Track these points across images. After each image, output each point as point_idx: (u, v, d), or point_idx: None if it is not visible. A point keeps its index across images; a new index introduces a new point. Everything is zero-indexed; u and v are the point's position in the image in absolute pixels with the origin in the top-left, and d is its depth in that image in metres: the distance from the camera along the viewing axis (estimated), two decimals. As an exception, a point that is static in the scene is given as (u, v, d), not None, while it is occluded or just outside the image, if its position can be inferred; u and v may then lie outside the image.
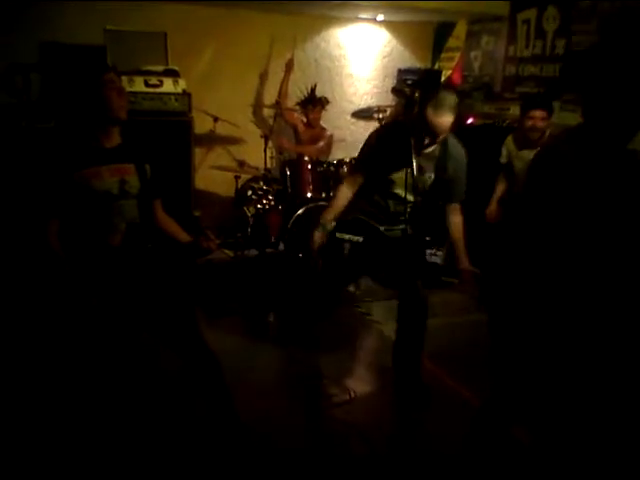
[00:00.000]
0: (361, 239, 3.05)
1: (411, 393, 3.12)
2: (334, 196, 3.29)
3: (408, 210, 3.04)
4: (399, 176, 2.99)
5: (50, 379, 2.70)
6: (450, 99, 2.79)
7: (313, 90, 5.66)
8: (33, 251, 2.79)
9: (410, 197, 3.03)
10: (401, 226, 3.07)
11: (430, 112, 2.78)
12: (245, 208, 5.21)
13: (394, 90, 5.80)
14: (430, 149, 2.99)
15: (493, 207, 4.26)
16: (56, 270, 2.46)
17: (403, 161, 2.89)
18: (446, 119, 2.80)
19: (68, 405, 2.55)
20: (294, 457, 2.66)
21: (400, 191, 3.02)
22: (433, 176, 3.03)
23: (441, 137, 2.90)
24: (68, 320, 2.55)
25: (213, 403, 2.57)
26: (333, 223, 3.13)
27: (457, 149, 3.05)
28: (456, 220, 3.13)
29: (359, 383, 3.42)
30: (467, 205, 3.27)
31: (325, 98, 5.63)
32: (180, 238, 2.67)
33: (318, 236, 3.10)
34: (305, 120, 5.59)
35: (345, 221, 3.15)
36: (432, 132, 2.85)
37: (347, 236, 3.08)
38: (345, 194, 3.15)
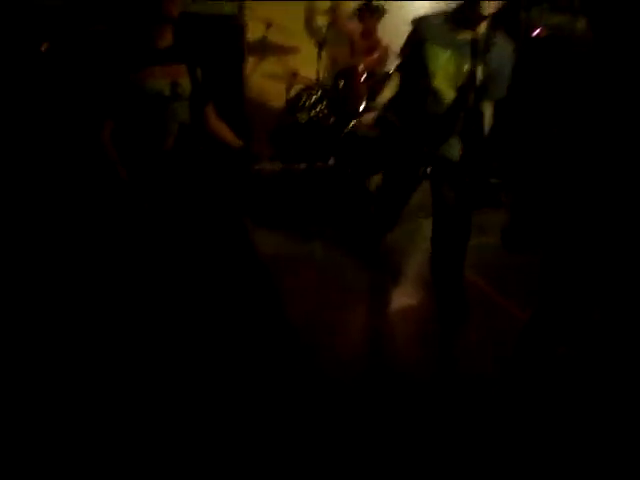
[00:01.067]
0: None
1: (450, 306, 3.11)
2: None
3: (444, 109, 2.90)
4: (438, 66, 2.83)
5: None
6: None
7: (370, 2, 5.36)
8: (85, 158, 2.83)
9: (450, 93, 2.87)
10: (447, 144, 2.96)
11: None
12: (296, 116, 5.11)
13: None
14: (469, 37, 2.78)
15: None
16: (108, 174, 2.50)
17: (439, 51, 2.79)
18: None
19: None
20: (337, 365, 2.68)
21: (440, 84, 2.86)
22: (473, 67, 2.80)
23: (482, 25, 2.73)
24: (119, 226, 2.60)
25: (262, 306, 2.64)
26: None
27: (503, 41, 2.85)
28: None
29: (403, 296, 3.44)
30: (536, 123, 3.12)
31: (382, 7, 5.34)
32: (232, 143, 2.66)
33: (369, 116, 3.04)
34: (361, 30, 5.35)
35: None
36: (472, 17, 2.69)
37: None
38: (393, 88, 3.06)
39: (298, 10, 5.66)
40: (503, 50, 2.82)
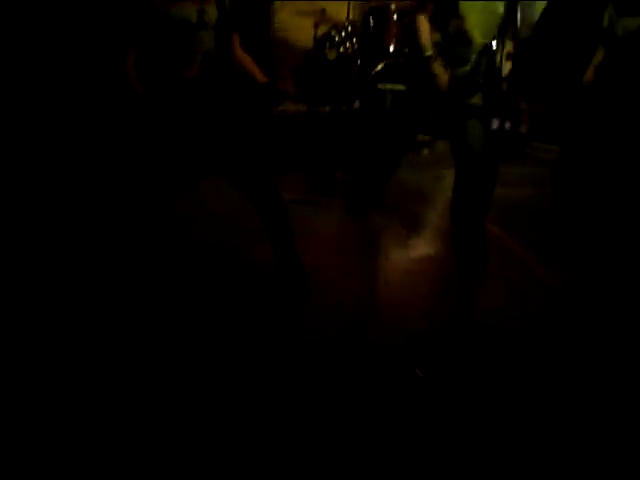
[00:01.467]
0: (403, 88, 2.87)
1: (469, 256, 3.05)
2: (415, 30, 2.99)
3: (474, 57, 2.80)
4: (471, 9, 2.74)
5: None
6: None
7: None
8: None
9: (479, 38, 2.78)
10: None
11: None
12: (325, 54, 4.98)
13: None
14: None
15: (590, 74, 3.91)
16: (131, 103, 2.46)
17: None
18: None
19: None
20: (351, 310, 2.64)
21: (471, 28, 2.77)
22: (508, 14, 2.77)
23: None
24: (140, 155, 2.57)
25: (277, 244, 2.62)
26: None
27: None
28: None
29: (421, 245, 3.41)
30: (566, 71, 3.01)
31: None
32: (256, 76, 2.59)
33: (439, 69, 2.86)
34: None
35: (390, 68, 2.95)
36: None
37: (389, 86, 2.90)
38: (426, 27, 2.90)
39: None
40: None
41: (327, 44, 4.99)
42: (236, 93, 2.59)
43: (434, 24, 2.91)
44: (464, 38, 2.79)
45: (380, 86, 2.92)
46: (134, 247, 2.61)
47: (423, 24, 2.88)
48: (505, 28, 2.84)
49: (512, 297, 2.75)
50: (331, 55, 4.87)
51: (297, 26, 5.36)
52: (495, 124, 3.03)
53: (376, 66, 4.55)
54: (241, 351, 2.21)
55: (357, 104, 4.90)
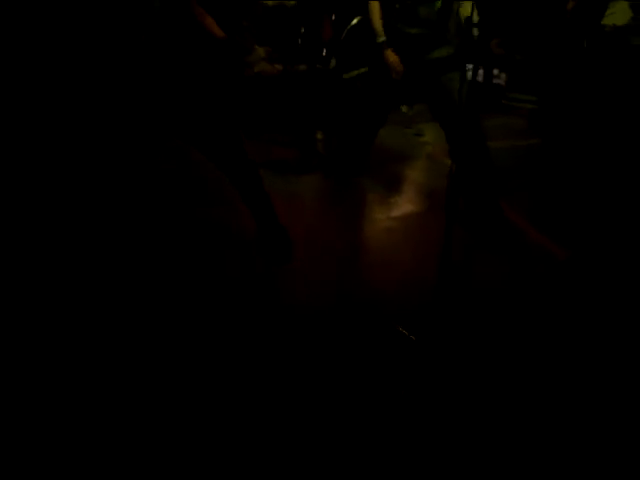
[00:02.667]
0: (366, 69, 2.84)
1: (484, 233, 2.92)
2: (370, 16, 3.00)
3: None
4: None
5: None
6: None
7: None
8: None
9: None
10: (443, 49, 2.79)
11: None
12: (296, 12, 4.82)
13: None
14: None
15: (571, 3, 3.84)
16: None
17: None
18: None
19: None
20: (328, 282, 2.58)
21: None
22: None
23: None
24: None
25: (254, 208, 2.58)
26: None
27: None
28: None
29: (405, 204, 3.39)
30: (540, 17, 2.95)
31: None
32: (215, 33, 2.49)
33: (392, 57, 2.88)
34: None
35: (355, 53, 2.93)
36: None
37: (354, 72, 2.89)
38: (376, 7, 2.93)
39: None
40: None
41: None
42: (195, 53, 2.48)
43: None
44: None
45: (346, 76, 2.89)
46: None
47: (374, 7, 2.89)
48: None
49: (505, 263, 2.71)
50: (290, 2, 4.73)
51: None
52: (479, 75, 2.95)
53: (351, 20, 4.42)
54: (228, 317, 2.19)
55: (333, 63, 4.79)
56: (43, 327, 2.11)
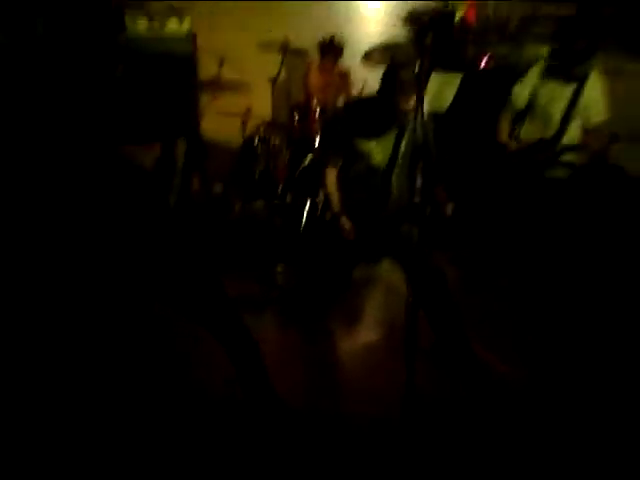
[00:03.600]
0: None
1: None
2: (325, 186, 3.20)
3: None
4: (373, 146, 3.01)
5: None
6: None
7: (332, 39, 5.36)
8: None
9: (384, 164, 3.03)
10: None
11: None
12: (252, 154, 5.11)
13: (408, 20, 5.58)
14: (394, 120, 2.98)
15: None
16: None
17: (376, 130, 2.97)
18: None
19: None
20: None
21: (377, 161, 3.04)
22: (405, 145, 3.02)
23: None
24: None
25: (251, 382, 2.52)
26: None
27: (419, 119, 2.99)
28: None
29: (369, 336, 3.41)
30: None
31: (342, 45, 5.37)
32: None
33: (347, 224, 3.04)
34: (317, 65, 5.38)
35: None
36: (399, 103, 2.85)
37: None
38: (333, 181, 3.14)
39: (250, 43, 5.68)
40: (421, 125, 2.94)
41: (256, 140, 5.13)
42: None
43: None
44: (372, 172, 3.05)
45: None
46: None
47: (330, 177, 3.13)
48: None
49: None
50: (259, 150, 5.01)
51: (225, 125, 5.50)
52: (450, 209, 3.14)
53: (304, 160, 4.70)
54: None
55: (289, 198, 5.00)
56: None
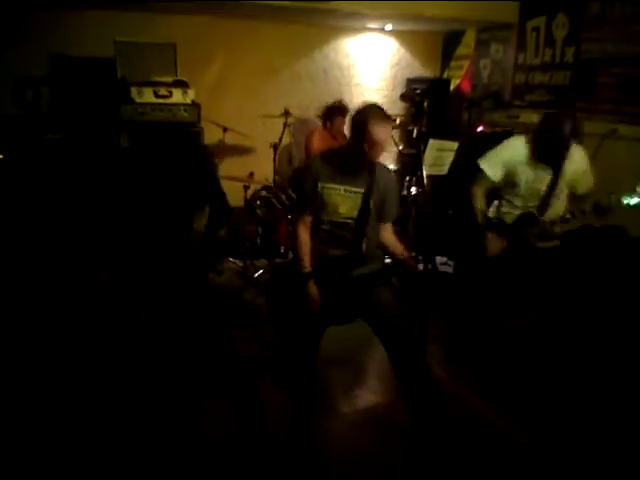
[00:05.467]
0: None
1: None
2: (296, 246, 3.05)
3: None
4: (336, 201, 2.94)
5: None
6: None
7: (340, 102, 5.38)
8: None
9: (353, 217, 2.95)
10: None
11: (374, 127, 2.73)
12: (255, 214, 5.18)
13: (402, 96, 5.77)
14: (362, 172, 2.93)
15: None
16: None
17: (339, 183, 2.91)
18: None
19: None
20: None
21: (341, 214, 2.95)
22: (364, 197, 2.93)
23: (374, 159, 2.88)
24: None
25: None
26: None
27: (386, 171, 3.03)
28: (391, 238, 3.08)
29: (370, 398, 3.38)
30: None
31: (346, 108, 5.52)
32: None
33: (313, 290, 2.92)
34: (323, 131, 5.51)
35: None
36: (368, 153, 2.79)
37: None
38: (305, 239, 3.02)
39: (252, 113, 5.87)
40: (388, 178, 3.00)
41: (257, 202, 5.20)
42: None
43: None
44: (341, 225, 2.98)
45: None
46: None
47: (302, 235, 3.01)
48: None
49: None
50: (261, 212, 5.06)
51: (228, 190, 5.59)
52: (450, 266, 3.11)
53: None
54: None
55: (290, 255, 5.07)
56: None
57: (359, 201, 2.91)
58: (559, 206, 3.39)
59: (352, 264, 2.93)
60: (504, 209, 3.52)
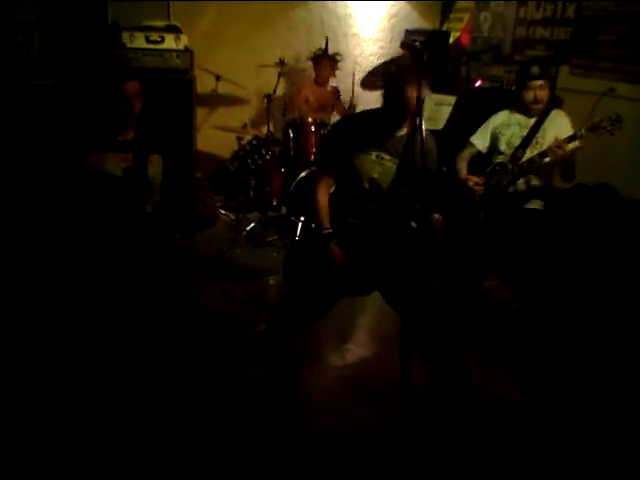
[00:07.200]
0: None
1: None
2: (316, 207, 2.92)
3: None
4: (369, 167, 2.82)
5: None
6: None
7: (326, 45, 5.43)
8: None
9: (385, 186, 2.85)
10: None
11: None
12: (247, 168, 5.16)
13: (403, 44, 5.64)
14: (402, 133, 2.82)
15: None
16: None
17: (371, 149, 2.80)
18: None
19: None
20: None
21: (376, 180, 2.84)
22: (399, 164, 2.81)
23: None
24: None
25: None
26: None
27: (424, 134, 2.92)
28: None
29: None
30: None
31: (338, 55, 5.44)
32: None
33: (336, 249, 2.83)
34: (313, 78, 5.43)
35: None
36: (405, 111, 2.68)
37: None
38: (324, 201, 2.92)
39: (247, 62, 5.75)
40: (426, 140, 2.74)
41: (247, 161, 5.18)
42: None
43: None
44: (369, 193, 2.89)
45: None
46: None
47: (321, 194, 2.91)
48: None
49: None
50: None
51: (220, 141, 5.54)
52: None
53: (299, 174, 4.74)
54: None
55: (284, 210, 5.05)
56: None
57: (394, 168, 2.81)
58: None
59: (378, 233, 2.86)
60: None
